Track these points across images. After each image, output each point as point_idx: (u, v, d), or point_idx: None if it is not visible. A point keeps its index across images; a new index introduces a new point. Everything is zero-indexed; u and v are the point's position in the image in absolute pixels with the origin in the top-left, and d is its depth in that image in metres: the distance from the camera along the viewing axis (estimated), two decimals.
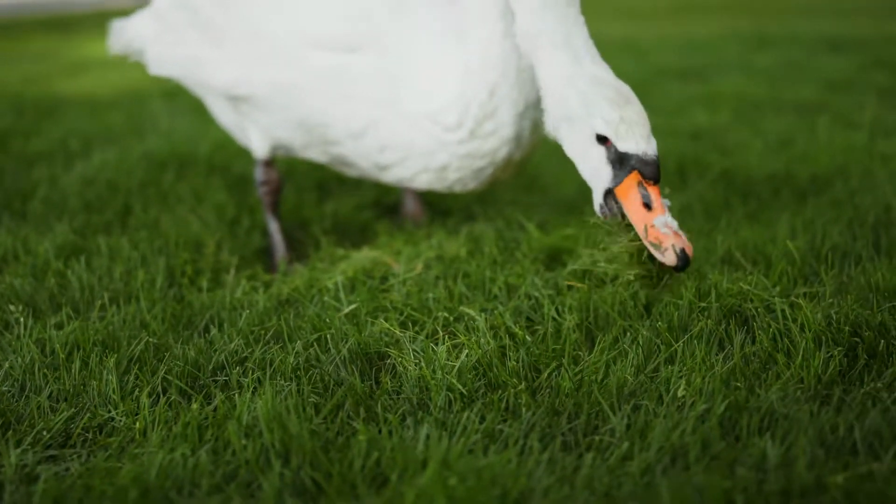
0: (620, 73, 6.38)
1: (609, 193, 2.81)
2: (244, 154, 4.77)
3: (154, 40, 3.84)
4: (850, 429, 2.30)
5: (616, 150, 2.75)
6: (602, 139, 2.77)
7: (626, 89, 2.81)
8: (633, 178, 2.74)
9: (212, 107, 3.91)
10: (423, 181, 3.45)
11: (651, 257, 2.74)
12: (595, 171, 2.83)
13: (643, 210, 2.72)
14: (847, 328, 2.74)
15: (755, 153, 4.73)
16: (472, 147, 3.31)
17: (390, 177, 3.49)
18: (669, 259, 2.64)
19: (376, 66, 3.35)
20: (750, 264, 3.27)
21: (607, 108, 2.75)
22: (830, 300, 2.94)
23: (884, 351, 2.67)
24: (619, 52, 8.19)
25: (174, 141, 5.23)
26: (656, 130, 5.21)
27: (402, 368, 2.72)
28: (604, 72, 2.83)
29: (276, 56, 3.43)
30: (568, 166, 4.36)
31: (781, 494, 2.09)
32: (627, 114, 2.75)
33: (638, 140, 2.75)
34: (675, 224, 2.70)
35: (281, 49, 3.42)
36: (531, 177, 4.56)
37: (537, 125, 3.38)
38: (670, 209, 2.75)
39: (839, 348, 2.66)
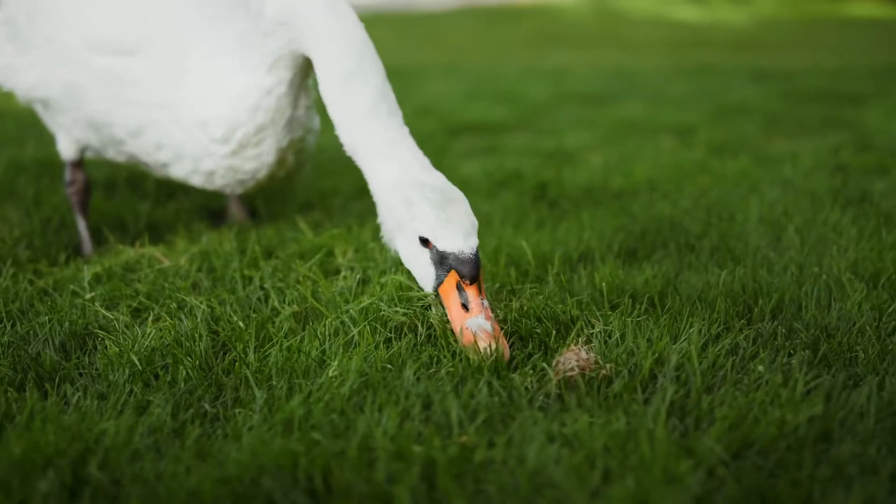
0: (529, 97, 6.62)
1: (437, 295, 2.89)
2: (102, 162, 4.95)
3: None
4: (464, 407, 2.42)
5: (436, 249, 2.83)
6: (425, 241, 2.85)
7: (453, 191, 2.86)
8: (452, 277, 2.81)
9: (38, 114, 4.11)
10: (196, 181, 3.62)
11: None
12: (425, 276, 2.90)
13: (461, 311, 2.77)
14: (530, 322, 2.86)
15: (588, 169, 4.85)
16: (235, 163, 3.49)
17: (172, 174, 3.67)
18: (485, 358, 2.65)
19: (152, 69, 3.52)
20: (491, 264, 3.39)
21: (428, 210, 2.82)
22: (537, 296, 3.05)
23: (553, 342, 2.78)
24: (540, 78, 8.33)
25: (50, 148, 5.41)
26: (523, 148, 5.38)
27: (101, 348, 2.87)
28: (431, 176, 2.90)
29: (65, 59, 3.63)
30: None
31: (357, 460, 2.21)
32: (449, 214, 2.81)
33: (455, 238, 2.80)
34: (488, 326, 2.71)
35: (69, 52, 3.61)
36: (364, 184, 4.70)
37: (301, 152, 3.58)
38: (491, 307, 2.82)
39: (512, 339, 2.79)
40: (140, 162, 3.78)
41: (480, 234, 3.69)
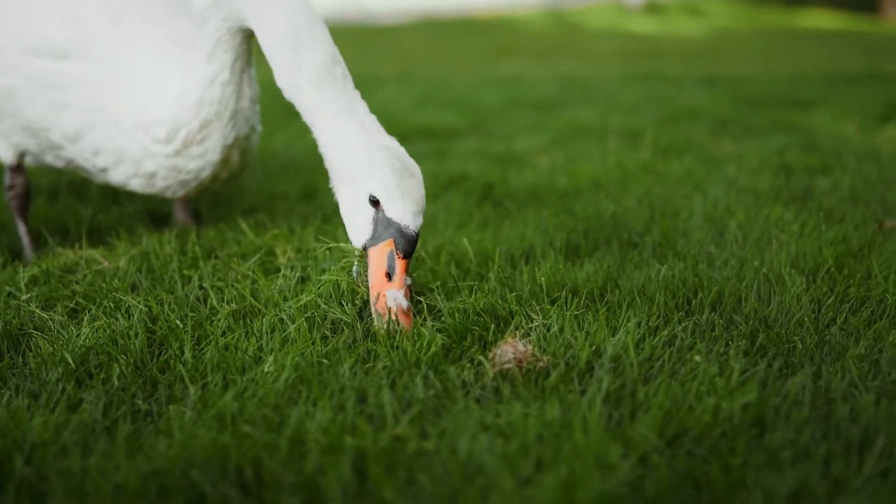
0: (480, 102, 6.63)
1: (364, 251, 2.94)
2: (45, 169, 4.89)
3: None
4: (399, 400, 2.40)
5: (384, 214, 2.88)
6: (374, 202, 2.89)
7: (412, 164, 2.93)
8: (388, 244, 2.89)
9: None
10: (136, 185, 3.58)
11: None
12: (359, 231, 2.96)
13: (384, 277, 2.86)
14: (462, 318, 2.83)
15: (535, 170, 4.85)
16: (179, 163, 3.45)
17: (110, 179, 3.63)
18: (382, 331, 2.78)
19: (89, 73, 3.48)
20: (433, 261, 3.37)
21: (389, 175, 2.87)
22: (476, 292, 3.04)
23: (489, 336, 2.76)
24: (492, 85, 8.34)
25: None
26: (472, 152, 5.38)
27: (35, 347, 2.83)
28: (394, 143, 2.95)
29: (0, 63, 3.58)
30: None
31: (288, 452, 2.18)
32: (406, 185, 2.87)
33: (406, 212, 2.87)
34: (405, 303, 2.82)
35: (3, 56, 3.56)
36: (312, 189, 4.68)
37: (246, 152, 3.56)
38: (410, 287, 2.90)
39: (448, 332, 2.77)
40: (78, 167, 3.74)
41: (424, 234, 3.70)
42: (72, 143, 3.57)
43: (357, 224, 2.97)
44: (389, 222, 2.88)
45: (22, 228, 3.89)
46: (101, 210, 4.33)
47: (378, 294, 2.84)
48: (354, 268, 3.00)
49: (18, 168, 3.88)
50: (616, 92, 8.01)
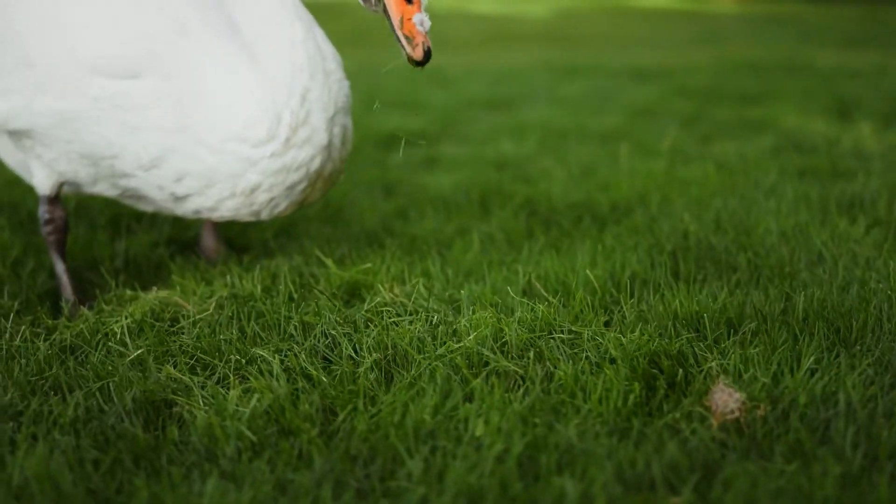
0: (430, 103, 6.41)
1: None
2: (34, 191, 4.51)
3: None
4: (648, 463, 2.26)
5: None
6: None
7: None
8: None
9: None
10: (229, 208, 3.29)
11: None
12: None
13: (403, 3, 2.88)
14: (644, 359, 2.71)
15: (558, 182, 4.74)
16: (287, 159, 3.20)
17: (189, 207, 3.33)
18: (417, 54, 2.86)
19: (162, 91, 3.20)
20: (551, 294, 3.22)
21: None
22: (630, 330, 2.91)
23: (682, 381, 2.65)
24: (426, 82, 8.16)
25: None
26: (466, 159, 5.22)
27: (189, 416, 2.57)
28: None
29: (53, 84, 3.24)
30: (371, 199, 4.30)
31: None
32: None
33: None
34: (428, 24, 2.88)
35: (58, 77, 3.23)
36: (335, 209, 4.45)
37: (346, 133, 3.36)
38: (426, 10, 2.93)
39: (637, 379, 2.63)
40: (139, 196, 3.43)
41: (514, 261, 3.57)
42: (146, 170, 3.26)
43: None
44: None
45: (60, 267, 3.53)
46: (122, 238, 3.98)
47: (402, 19, 2.87)
48: None
49: (56, 199, 3.53)
50: (553, 88, 7.93)
